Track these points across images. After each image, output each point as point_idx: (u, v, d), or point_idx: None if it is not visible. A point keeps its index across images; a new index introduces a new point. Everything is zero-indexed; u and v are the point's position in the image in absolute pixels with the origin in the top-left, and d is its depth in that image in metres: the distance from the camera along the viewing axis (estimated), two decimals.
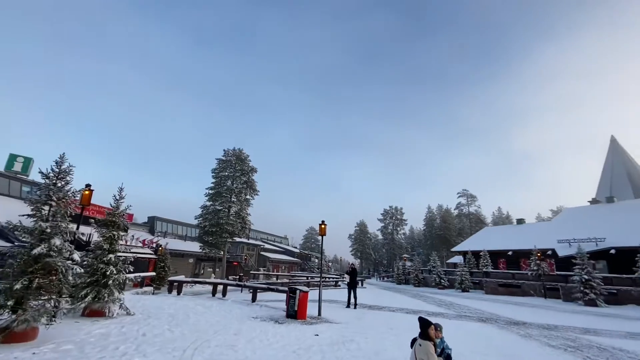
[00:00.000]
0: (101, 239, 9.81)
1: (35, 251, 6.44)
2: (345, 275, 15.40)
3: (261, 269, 45.80)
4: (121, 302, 9.49)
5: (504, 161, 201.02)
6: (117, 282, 9.53)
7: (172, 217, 39.61)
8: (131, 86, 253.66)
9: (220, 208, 30.27)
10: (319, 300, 12.10)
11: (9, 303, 6.01)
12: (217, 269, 34.77)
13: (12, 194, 22.36)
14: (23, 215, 7.02)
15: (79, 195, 8.83)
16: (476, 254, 35.48)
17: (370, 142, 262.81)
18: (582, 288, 20.59)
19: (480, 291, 29.63)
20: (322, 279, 14.80)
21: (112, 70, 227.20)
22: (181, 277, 21.02)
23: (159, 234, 34.60)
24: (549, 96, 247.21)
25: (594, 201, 40.14)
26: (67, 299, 7.65)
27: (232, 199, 30.78)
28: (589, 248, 24.23)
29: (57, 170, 7.38)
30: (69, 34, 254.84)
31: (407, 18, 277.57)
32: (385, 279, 59.36)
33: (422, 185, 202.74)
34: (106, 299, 9.10)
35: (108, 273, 9.23)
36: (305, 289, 11.35)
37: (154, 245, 27.33)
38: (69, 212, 7.40)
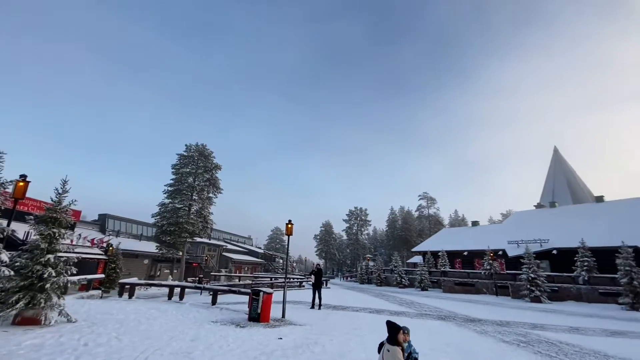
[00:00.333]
0: (39, 237, 8.69)
1: None
2: (311, 276, 15.19)
3: (223, 270, 44.25)
4: (61, 308, 8.47)
5: (460, 166, 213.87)
6: (57, 286, 8.50)
7: (127, 215, 37.02)
8: (85, 74, 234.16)
9: (180, 206, 28.69)
10: (283, 302, 11.78)
11: None
12: (175, 271, 32.97)
13: None
14: None
15: (10, 187, 7.73)
16: (435, 254, 37.08)
17: (336, 144, 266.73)
18: (528, 286, 22.25)
19: (439, 290, 30.96)
20: (287, 280, 14.48)
21: (64, 51, 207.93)
22: (134, 279, 19.51)
23: (111, 233, 32.08)
24: (500, 108, 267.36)
25: (538, 206, 43.84)
26: None
27: (194, 197, 29.30)
28: (534, 249, 26.28)
29: None
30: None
31: (374, 26, 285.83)
32: (349, 278, 60.14)
33: (385, 187, 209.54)
34: (42, 304, 8.07)
35: (45, 276, 8.19)
36: (269, 290, 10.96)
37: (105, 245, 25.23)
38: None
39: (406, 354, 4.52)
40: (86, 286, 19.66)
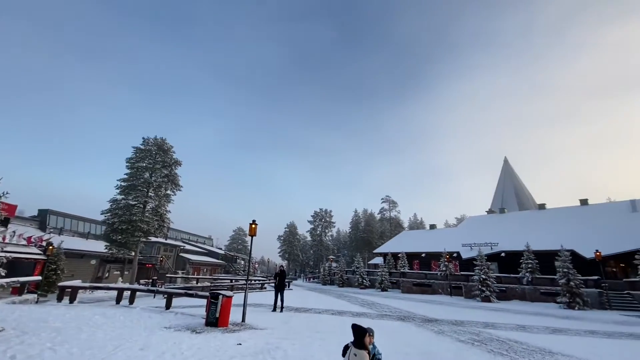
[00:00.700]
0: None
1: None
2: (275, 279, 14.78)
3: (180, 272, 42.03)
4: None
5: (420, 173, 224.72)
6: None
7: (73, 212, 33.82)
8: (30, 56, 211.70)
9: (134, 203, 26.81)
10: (244, 305, 11.32)
11: None
12: (126, 272, 30.73)
13: None
14: None
15: None
16: (395, 256, 38.26)
17: (302, 145, 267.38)
18: (480, 286, 23.68)
19: (398, 290, 31.94)
20: (249, 282, 14.01)
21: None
22: (77, 282, 17.75)
23: (52, 230, 29.06)
24: (455, 120, 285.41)
25: (490, 211, 47.03)
26: None
27: (150, 194, 27.57)
28: (485, 251, 28.08)
29: None
30: None
31: (344, 33, 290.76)
32: (312, 279, 60.15)
33: (350, 190, 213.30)
34: None
35: None
36: (229, 293, 10.46)
37: (44, 243, 22.76)
38: None
39: (370, 356, 4.45)
40: (19, 290, 17.57)
